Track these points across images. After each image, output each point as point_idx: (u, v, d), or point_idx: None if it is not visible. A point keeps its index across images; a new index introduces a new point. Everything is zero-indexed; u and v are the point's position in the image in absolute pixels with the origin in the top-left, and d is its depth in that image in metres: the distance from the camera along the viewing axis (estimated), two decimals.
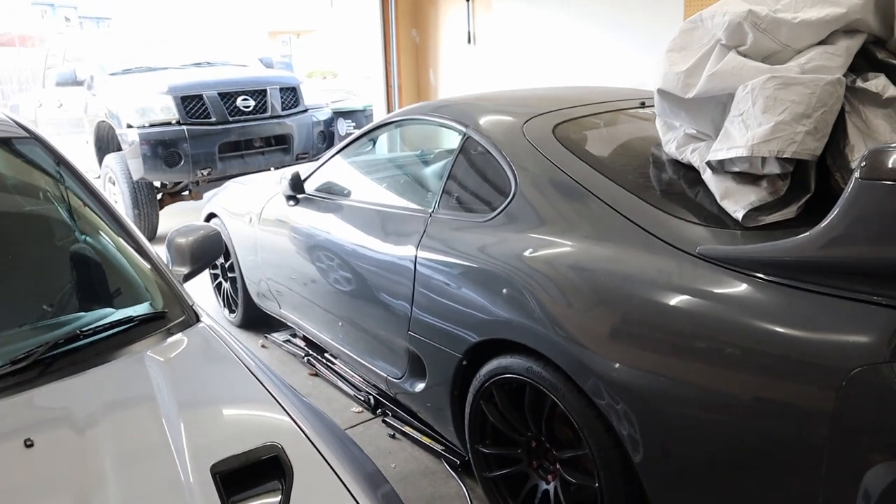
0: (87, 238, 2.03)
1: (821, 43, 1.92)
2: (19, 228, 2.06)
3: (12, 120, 2.17)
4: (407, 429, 3.01)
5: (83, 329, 1.61)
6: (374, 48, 7.20)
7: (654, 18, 4.97)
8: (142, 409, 1.43)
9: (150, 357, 1.57)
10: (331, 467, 1.31)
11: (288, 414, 1.44)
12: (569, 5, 5.64)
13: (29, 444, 1.28)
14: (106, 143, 6.77)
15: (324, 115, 7.06)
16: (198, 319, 1.78)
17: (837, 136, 1.84)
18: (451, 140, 2.79)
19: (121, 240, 1.98)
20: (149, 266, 1.91)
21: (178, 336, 1.69)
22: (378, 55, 7.19)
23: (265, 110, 6.48)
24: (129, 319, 1.69)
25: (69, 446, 1.29)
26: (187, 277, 2.04)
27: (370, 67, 7.39)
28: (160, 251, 2.14)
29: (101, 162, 6.72)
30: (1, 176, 2.11)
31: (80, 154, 7.08)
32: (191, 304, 1.84)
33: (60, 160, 2.11)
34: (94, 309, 1.81)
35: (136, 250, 1.96)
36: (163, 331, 1.69)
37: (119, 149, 6.34)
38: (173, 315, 1.76)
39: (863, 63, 1.92)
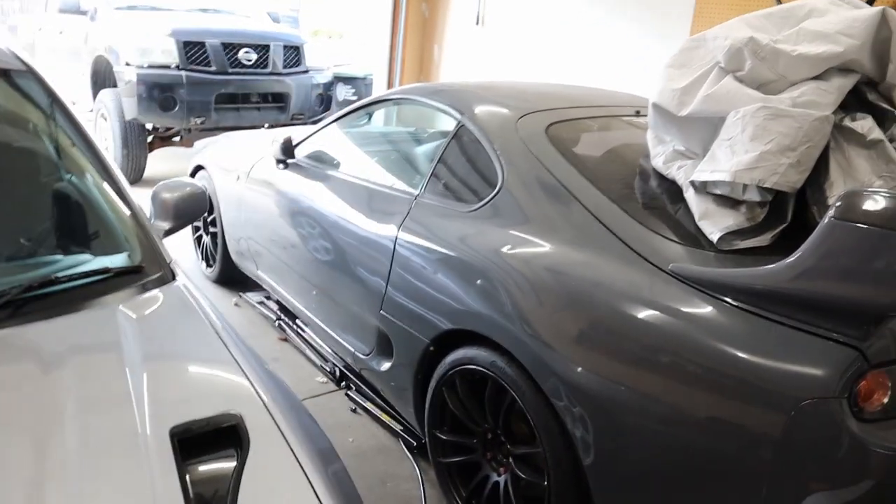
0: (73, 178, 2.03)
1: (815, 78, 1.95)
2: (6, 161, 2.05)
3: (11, 52, 2.16)
4: (368, 405, 3.05)
5: (58, 275, 1.62)
6: (384, 16, 7.14)
7: (663, 8, 4.98)
8: (108, 361, 1.44)
9: (122, 311, 1.58)
10: (286, 440, 1.33)
11: (251, 382, 1.46)
12: None
13: None
14: (102, 77, 6.68)
15: (324, 77, 7.01)
16: (174, 277, 1.80)
17: (819, 170, 1.88)
18: (446, 124, 2.80)
19: (105, 185, 1.98)
20: (130, 216, 1.92)
21: (153, 293, 1.70)
22: (386, 23, 7.13)
23: (266, 66, 6.43)
24: (106, 270, 1.70)
25: (33, 385, 1.31)
26: (168, 233, 2.04)
27: (376, 35, 7.33)
28: (144, 195, 2.14)
29: (95, 96, 6.65)
30: None
31: (75, 86, 7.00)
32: (169, 261, 1.85)
33: (54, 98, 2.10)
34: (72, 251, 1.81)
35: (121, 198, 1.96)
36: (138, 285, 1.70)
37: (115, 85, 6.27)
38: (150, 270, 1.77)
39: (853, 102, 1.96)
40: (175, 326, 1.65)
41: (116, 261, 1.78)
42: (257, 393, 1.44)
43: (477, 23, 6.47)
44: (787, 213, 1.93)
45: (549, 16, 5.87)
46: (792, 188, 1.85)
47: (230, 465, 1.24)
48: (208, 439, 1.28)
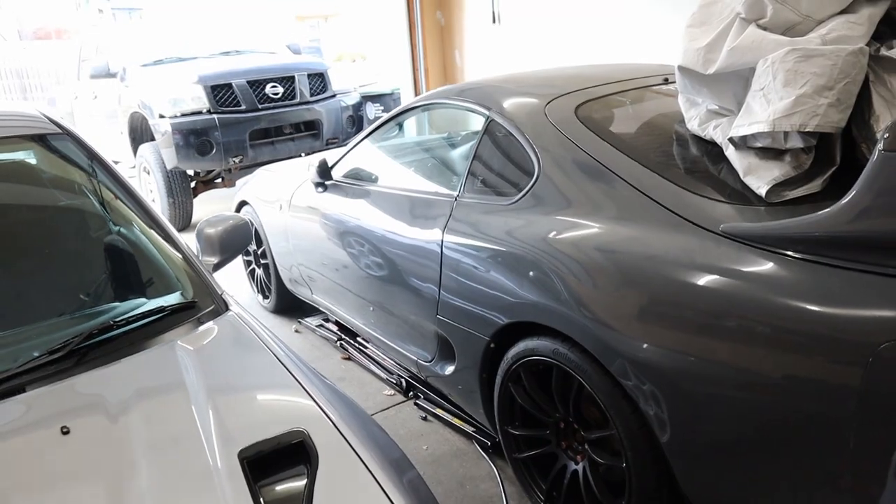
0: (120, 230, 2.08)
1: (842, 12, 1.88)
2: (55, 222, 2.12)
3: (45, 116, 2.23)
4: (438, 411, 3.04)
5: (116, 319, 1.66)
6: (400, 31, 7.19)
7: None
8: (172, 397, 1.47)
9: (180, 346, 1.62)
10: (356, 452, 1.33)
11: (314, 400, 1.47)
12: None
13: (65, 432, 1.33)
14: (140, 133, 6.89)
15: (352, 99, 7.09)
16: (227, 308, 1.83)
17: (862, 106, 1.80)
18: (476, 123, 2.79)
19: (152, 231, 2.03)
20: (179, 256, 1.96)
21: (208, 325, 1.74)
22: (404, 38, 7.18)
23: (294, 96, 6.53)
24: (161, 309, 1.74)
25: (103, 433, 1.34)
26: (217, 267, 2.08)
27: (397, 50, 7.39)
28: (193, 239, 2.19)
29: (135, 152, 6.85)
30: (36, 171, 2.18)
31: (116, 145, 7.21)
32: (220, 293, 1.88)
33: (92, 155, 2.16)
34: (128, 299, 1.86)
35: (167, 241, 2.01)
36: (193, 320, 1.73)
37: (153, 139, 6.45)
38: (203, 304, 1.80)
39: (887, 30, 1.87)
40: (233, 355, 1.67)
41: (170, 300, 1.82)
42: (322, 409, 1.45)
43: (493, 21, 6.46)
44: (835, 155, 1.86)
45: (564, 5, 5.83)
46: (835, 128, 1.78)
47: (301, 482, 1.24)
48: (277, 459, 1.29)
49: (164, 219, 2.12)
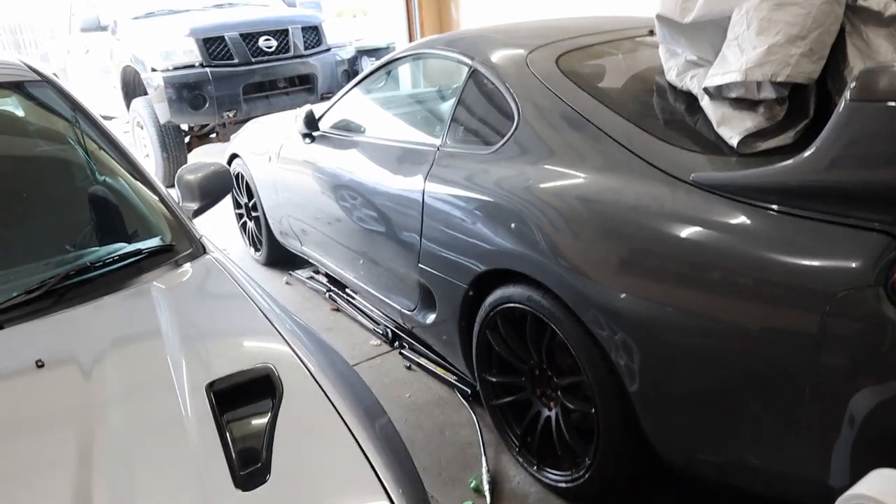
0: (102, 177, 2.10)
1: None
2: (36, 169, 2.13)
3: (26, 64, 2.23)
4: (422, 360, 3.10)
5: (93, 261, 1.69)
6: None
7: None
8: (145, 339, 1.50)
9: (155, 286, 1.65)
10: (323, 392, 1.35)
11: (286, 341, 1.49)
12: None
13: (40, 365, 1.37)
14: (133, 87, 6.84)
15: (347, 53, 7.03)
16: (204, 251, 1.86)
17: (837, 57, 1.80)
18: (461, 74, 2.79)
19: (132, 178, 2.05)
20: (158, 202, 1.98)
21: (185, 267, 1.77)
22: None
23: (287, 50, 6.48)
24: (138, 252, 1.77)
25: (77, 368, 1.38)
26: (197, 212, 2.11)
27: (393, 4, 7.30)
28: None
29: (128, 107, 6.81)
30: (16, 119, 2.19)
31: (109, 100, 7.16)
32: (198, 237, 1.91)
33: (73, 103, 2.17)
34: (107, 243, 1.89)
35: (147, 187, 2.03)
36: (170, 262, 1.77)
37: (146, 93, 6.42)
38: (181, 248, 1.83)
39: None
40: (207, 296, 1.71)
41: (148, 243, 1.84)
42: (293, 349, 1.47)
43: None
44: (808, 107, 1.86)
45: None
46: (808, 79, 1.78)
47: (265, 417, 1.27)
48: (243, 393, 1.32)
49: (142, 165, 2.14)
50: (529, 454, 2.33)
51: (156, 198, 1.99)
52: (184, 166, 2.20)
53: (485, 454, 2.45)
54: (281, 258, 4.37)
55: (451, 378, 2.91)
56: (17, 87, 2.12)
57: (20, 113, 2.19)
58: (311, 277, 4.17)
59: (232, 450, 1.18)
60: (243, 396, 1.31)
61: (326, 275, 4.04)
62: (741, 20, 1.81)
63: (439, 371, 2.99)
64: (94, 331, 1.49)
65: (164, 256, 1.78)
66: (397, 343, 3.31)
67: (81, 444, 1.19)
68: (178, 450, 1.19)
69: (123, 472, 1.14)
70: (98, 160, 2.12)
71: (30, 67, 2.20)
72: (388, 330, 3.37)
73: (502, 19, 6.26)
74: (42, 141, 2.22)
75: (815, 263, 1.53)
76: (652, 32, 2.65)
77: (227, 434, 1.22)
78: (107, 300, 1.60)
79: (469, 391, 2.79)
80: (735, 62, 1.82)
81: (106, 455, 1.17)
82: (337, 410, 1.32)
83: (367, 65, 7.82)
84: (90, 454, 1.17)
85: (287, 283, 4.24)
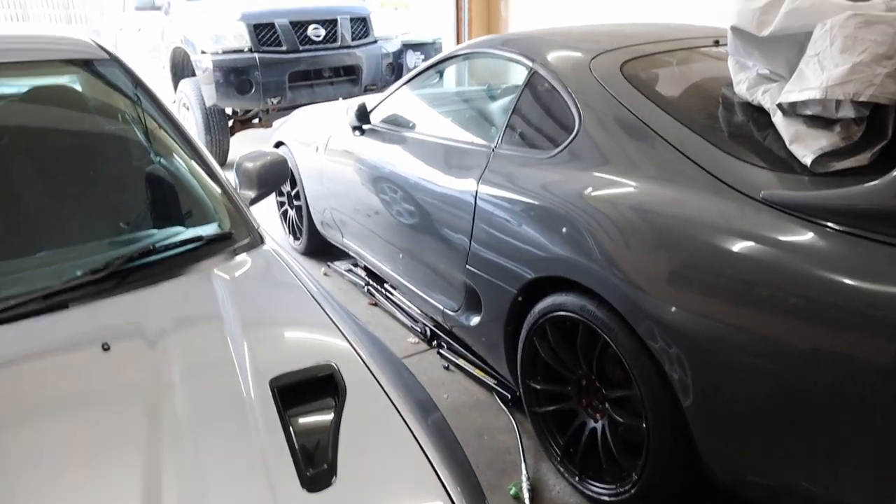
0: (161, 159, 2.11)
1: None
2: (98, 147, 2.15)
3: (94, 42, 2.25)
4: (461, 361, 3.08)
5: (156, 245, 1.69)
6: None
7: None
8: (208, 324, 1.50)
9: (216, 274, 1.65)
10: (383, 390, 1.36)
11: (345, 337, 1.49)
12: None
13: (106, 348, 1.37)
14: (181, 68, 6.90)
15: (393, 46, 7.02)
16: (262, 242, 1.85)
17: None
18: (518, 75, 2.76)
19: (193, 162, 2.05)
20: (218, 189, 1.99)
21: (243, 256, 1.77)
22: None
23: (335, 40, 6.49)
24: (199, 238, 1.77)
25: (142, 353, 1.38)
26: (254, 201, 2.11)
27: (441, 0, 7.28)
28: (230, 176, 2.21)
29: (176, 87, 6.87)
30: (82, 96, 2.20)
31: (157, 79, 7.24)
32: (256, 227, 1.91)
33: (138, 83, 2.18)
34: (166, 226, 1.89)
35: (207, 173, 2.03)
36: (229, 251, 1.76)
37: (193, 75, 6.47)
38: (239, 236, 1.83)
39: None
40: (267, 287, 1.70)
41: (208, 230, 1.84)
42: (352, 346, 1.47)
43: None
44: (887, 128, 1.81)
45: None
46: (890, 100, 1.73)
47: (329, 414, 1.27)
48: (306, 390, 1.31)
49: (205, 150, 2.14)
50: (572, 465, 2.30)
51: (217, 185, 1.99)
52: (243, 155, 2.20)
53: (524, 461, 2.42)
54: (319, 249, 4.38)
55: (491, 381, 2.89)
56: (86, 65, 2.13)
57: (88, 90, 2.20)
58: (350, 270, 4.16)
59: (297, 448, 1.18)
60: (307, 394, 1.30)
61: (365, 268, 4.04)
62: (824, 36, 1.76)
63: (478, 373, 2.96)
64: (158, 315, 1.49)
65: (223, 244, 1.78)
66: (435, 342, 3.29)
67: (149, 424, 1.20)
68: (243, 442, 1.19)
69: (191, 460, 1.14)
70: (160, 143, 2.13)
71: (99, 46, 2.22)
72: (427, 328, 3.35)
73: (551, 19, 6.22)
74: (107, 119, 2.22)
75: (891, 290, 1.49)
76: (717, 43, 2.61)
77: (292, 431, 1.21)
78: (168, 285, 1.60)
79: (509, 396, 2.77)
80: (815, 79, 1.78)
81: (173, 439, 1.17)
82: (398, 410, 1.32)
83: (413, 59, 7.83)
84: (158, 436, 1.17)
85: (325, 274, 4.24)
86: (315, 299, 1.63)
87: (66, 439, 1.18)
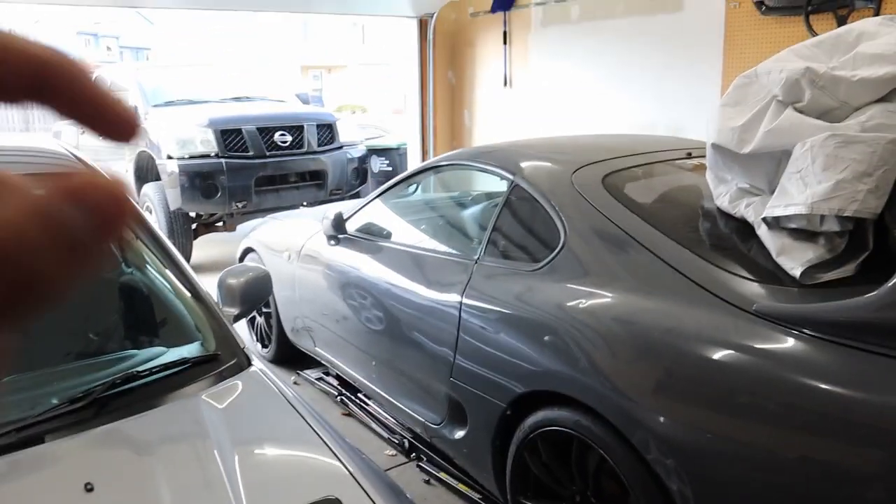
0: (138, 271, 2.05)
1: (879, 100, 1.91)
2: None
3: (72, 154, 2.21)
4: (443, 475, 2.97)
5: (139, 370, 1.61)
6: (411, 88, 7.29)
7: (691, 69, 4.97)
8: (201, 461, 1.42)
9: (205, 401, 1.57)
10: None
11: (343, 465, 1.43)
12: (605, 53, 5.68)
13: (89, 489, 1.27)
14: (145, 172, 6.88)
15: (358, 152, 7.13)
16: (249, 364, 1.78)
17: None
18: (494, 185, 2.79)
19: (172, 275, 1.99)
20: (201, 305, 1.92)
21: (233, 381, 1.69)
22: (414, 95, 7.28)
23: (301, 146, 6.56)
24: (184, 361, 1.69)
25: (129, 494, 1.29)
26: (237, 318, 2.04)
27: (407, 106, 7.48)
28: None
29: (139, 191, 6.83)
30: None
31: None
32: (242, 346, 1.84)
33: None
34: (144, 344, 1.81)
35: (188, 288, 1.97)
36: (216, 374, 1.69)
37: (157, 178, 6.44)
38: (226, 358, 1.76)
39: None
40: (259, 413, 1.63)
41: (192, 350, 1.77)
42: (351, 474, 1.40)
43: (505, 84, 6.55)
44: (868, 240, 1.87)
45: (579, 71, 5.92)
46: (872, 214, 1.79)
47: None
48: None
49: (185, 262, 2.09)
50: None
51: (198, 301, 1.93)
52: (226, 269, 2.15)
53: None
54: (288, 356, 4.26)
55: (475, 496, 2.78)
56: None
57: None
58: (321, 379, 4.05)
59: None
60: None
61: (338, 376, 3.93)
62: (805, 155, 1.83)
63: (462, 487, 2.85)
64: (145, 450, 1.40)
65: (209, 366, 1.70)
66: (414, 454, 3.18)
67: None
68: None
69: None
70: (135, 253, 2.07)
71: (77, 158, 2.18)
72: (405, 439, 3.24)
73: (516, 131, 6.41)
74: None
75: (888, 400, 1.50)
76: (690, 155, 2.70)
77: None
78: (153, 414, 1.51)
79: None
80: (798, 195, 1.83)
81: None
82: None
83: (378, 164, 7.94)
84: None
85: (295, 382, 4.12)
86: (308, 423, 1.56)
87: None
